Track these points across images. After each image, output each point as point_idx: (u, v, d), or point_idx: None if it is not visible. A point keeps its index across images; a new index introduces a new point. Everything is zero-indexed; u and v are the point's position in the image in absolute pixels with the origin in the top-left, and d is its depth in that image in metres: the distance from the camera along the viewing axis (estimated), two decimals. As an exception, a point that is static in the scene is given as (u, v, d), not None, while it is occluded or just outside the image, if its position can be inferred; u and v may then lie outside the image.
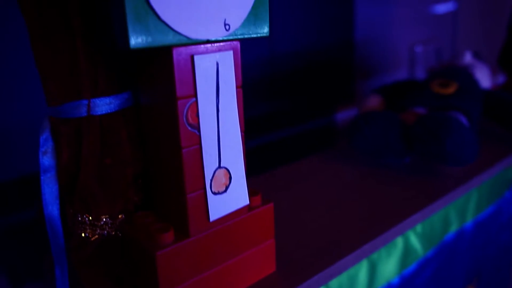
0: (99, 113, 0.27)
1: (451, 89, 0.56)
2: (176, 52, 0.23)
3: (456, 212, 0.48)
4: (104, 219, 0.28)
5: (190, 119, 0.25)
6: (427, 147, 0.44)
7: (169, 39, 0.23)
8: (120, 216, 0.28)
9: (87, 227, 0.27)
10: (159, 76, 0.25)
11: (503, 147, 0.56)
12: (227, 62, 0.26)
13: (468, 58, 0.64)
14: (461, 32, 1.20)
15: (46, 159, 0.27)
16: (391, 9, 1.00)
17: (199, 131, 0.25)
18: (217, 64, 0.25)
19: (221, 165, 0.27)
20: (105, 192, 0.28)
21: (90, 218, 0.27)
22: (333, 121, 0.90)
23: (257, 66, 0.70)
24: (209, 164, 0.26)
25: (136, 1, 0.21)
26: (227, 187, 0.27)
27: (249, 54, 0.68)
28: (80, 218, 0.27)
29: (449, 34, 1.20)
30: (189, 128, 0.25)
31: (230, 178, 0.27)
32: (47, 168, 0.27)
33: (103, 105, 0.27)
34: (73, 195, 0.27)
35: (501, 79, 0.65)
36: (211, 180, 0.26)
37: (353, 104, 0.92)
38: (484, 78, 0.62)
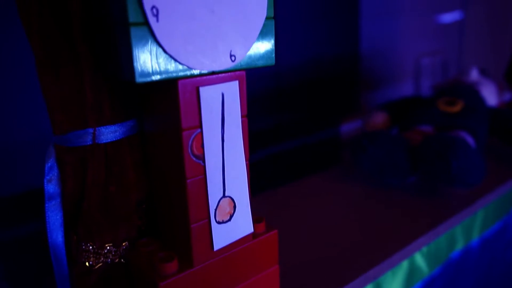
0: (104, 141, 0.27)
1: (457, 108, 0.55)
2: (181, 84, 0.23)
3: (462, 230, 0.48)
4: (108, 247, 0.28)
5: (195, 150, 0.25)
6: (433, 169, 0.44)
7: (175, 72, 0.23)
8: (124, 244, 0.28)
9: (91, 256, 0.27)
10: (164, 106, 0.25)
11: (509, 166, 0.55)
12: (233, 92, 0.26)
13: (474, 75, 0.64)
14: (467, 44, 1.20)
15: (51, 187, 0.27)
16: (397, 22, 1.00)
17: (204, 161, 0.25)
18: (223, 94, 0.25)
19: (226, 194, 0.27)
20: (109, 220, 0.28)
21: (94, 246, 0.27)
22: (338, 133, 0.89)
23: (262, 79, 0.70)
24: (214, 193, 0.26)
25: (142, 36, 0.21)
26: (231, 216, 0.27)
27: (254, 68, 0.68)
28: (84, 247, 0.27)
29: (456, 45, 1.20)
30: (194, 159, 0.25)
31: (235, 206, 0.27)
32: (51, 195, 0.27)
33: (108, 133, 0.27)
34: (77, 222, 0.27)
35: (507, 96, 0.64)
36: (216, 210, 0.26)
37: (358, 116, 0.92)
38: (490, 95, 0.62)
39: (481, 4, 1.12)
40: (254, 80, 0.69)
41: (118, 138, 0.27)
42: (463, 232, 0.48)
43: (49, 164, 0.27)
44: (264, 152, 0.71)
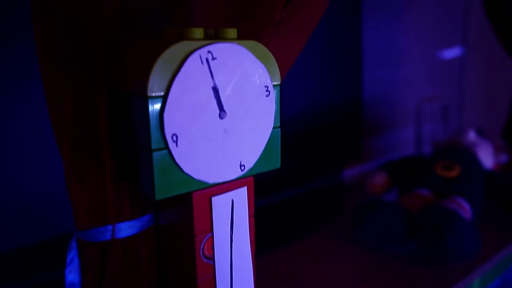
0: (123, 236, 0.29)
1: (454, 173, 0.58)
2: (196, 196, 0.26)
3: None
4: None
5: (206, 251, 0.27)
6: (429, 242, 0.46)
7: (191, 186, 0.25)
8: (136, 329, 0.30)
9: None
10: (179, 211, 0.27)
11: (506, 232, 0.57)
12: (242, 197, 0.28)
13: (471, 136, 0.66)
14: (468, 84, 1.23)
15: (72, 277, 0.29)
16: (398, 70, 1.03)
17: (213, 261, 0.27)
18: (233, 201, 0.27)
19: (233, 288, 0.29)
20: (124, 307, 0.30)
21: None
22: (340, 180, 0.91)
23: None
24: (222, 289, 0.28)
25: (163, 160, 0.24)
26: (237, 308, 0.29)
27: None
28: (100, 335, 0.29)
29: (456, 88, 1.23)
30: (205, 260, 0.27)
31: (241, 299, 0.29)
32: (72, 285, 0.29)
33: (126, 229, 0.29)
34: (94, 310, 0.29)
35: (504, 157, 0.67)
36: (223, 303, 0.28)
37: (360, 161, 0.94)
38: (487, 157, 0.64)
39: (482, 41, 1.15)
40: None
41: (135, 232, 0.29)
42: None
43: (71, 256, 0.29)
44: (266, 200, 0.73)
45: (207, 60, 0.24)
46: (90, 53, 0.26)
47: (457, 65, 1.21)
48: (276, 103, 0.28)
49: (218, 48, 0.25)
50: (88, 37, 0.26)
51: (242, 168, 0.27)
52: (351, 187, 0.88)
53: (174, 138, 0.24)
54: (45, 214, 0.44)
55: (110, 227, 0.29)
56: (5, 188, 0.42)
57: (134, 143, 0.25)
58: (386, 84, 1.02)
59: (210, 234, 0.27)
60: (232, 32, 0.26)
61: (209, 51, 0.24)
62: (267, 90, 0.27)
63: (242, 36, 0.31)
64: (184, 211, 0.27)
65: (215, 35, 0.26)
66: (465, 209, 0.53)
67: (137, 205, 0.29)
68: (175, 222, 0.28)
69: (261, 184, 0.66)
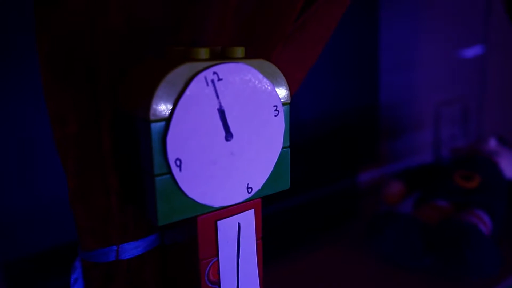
0: (127, 257, 0.28)
1: (474, 183, 0.56)
2: (201, 220, 0.25)
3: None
4: None
5: (211, 276, 0.26)
6: (447, 257, 0.44)
7: (196, 211, 0.24)
8: None
9: None
10: (184, 233, 0.27)
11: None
12: (249, 220, 0.27)
13: (492, 144, 0.64)
14: (488, 90, 1.20)
15: (76, 297, 0.28)
16: (416, 73, 1.01)
17: (219, 286, 0.26)
18: (239, 224, 0.27)
19: (240, 313, 0.28)
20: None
21: None
22: (355, 183, 0.90)
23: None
24: (228, 314, 0.27)
25: (166, 184, 0.23)
26: (244, 332, 0.28)
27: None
28: None
29: (476, 88, 1.20)
30: (210, 285, 0.26)
31: (248, 323, 0.28)
32: (76, 305, 0.29)
33: (131, 250, 0.28)
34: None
35: (527, 167, 0.64)
36: (229, 328, 0.28)
37: (376, 165, 0.92)
38: (509, 166, 0.62)
39: (504, 40, 1.11)
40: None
41: (140, 253, 0.29)
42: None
43: (75, 276, 0.29)
44: (281, 204, 0.72)
45: (212, 81, 0.23)
46: (95, 70, 0.25)
47: (478, 65, 1.17)
48: (286, 122, 0.27)
49: (224, 69, 0.24)
50: (93, 53, 0.25)
51: (249, 190, 0.26)
52: (367, 191, 0.86)
53: (178, 162, 0.23)
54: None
55: (115, 248, 0.28)
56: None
57: (138, 165, 0.24)
58: (403, 85, 0.99)
59: (216, 259, 0.26)
60: (240, 51, 0.25)
61: (214, 72, 0.23)
62: (276, 110, 0.26)
63: (252, 52, 0.30)
64: (189, 234, 0.26)
65: (221, 54, 0.25)
66: (484, 222, 0.51)
67: (143, 225, 0.29)
68: (180, 245, 0.27)
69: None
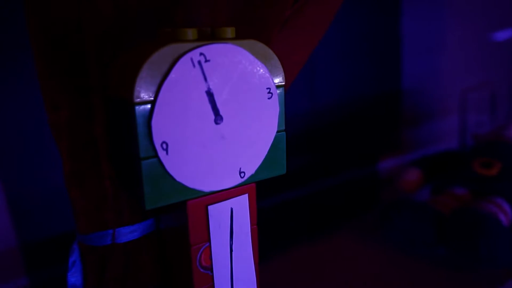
0: (124, 241, 0.28)
1: (494, 170, 0.53)
2: (190, 205, 0.25)
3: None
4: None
5: (203, 262, 0.26)
6: (461, 246, 0.43)
7: (185, 195, 0.24)
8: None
9: None
10: (176, 218, 0.26)
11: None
12: (242, 205, 0.27)
13: (516, 130, 0.61)
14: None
15: (73, 279, 0.29)
16: (440, 57, 0.97)
17: (212, 272, 0.26)
18: (232, 209, 0.26)
19: (234, 299, 0.28)
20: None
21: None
22: (375, 172, 0.88)
23: (298, 117, 0.71)
24: (222, 299, 0.27)
25: (152, 168, 0.23)
26: (239, 318, 0.28)
27: (289, 106, 0.68)
28: None
29: (506, 78, 1.15)
30: (202, 270, 0.26)
31: (243, 310, 0.28)
32: (74, 286, 0.29)
33: (127, 234, 0.28)
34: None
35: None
36: (224, 314, 0.27)
37: (399, 153, 0.90)
38: (533, 153, 0.59)
39: None
40: (289, 119, 0.69)
41: (136, 237, 0.29)
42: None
43: (73, 258, 0.29)
44: (302, 191, 0.71)
45: (199, 62, 0.23)
46: (85, 55, 0.25)
47: (507, 49, 1.12)
48: (280, 105, 0.27)
49: (212, 50, 0.23)
50: (81, 39, 0.25)
51: (242, 175, 0.26)
52: (388, 179, 0.85)
53: (164, 146, 0.22)
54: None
55: (110, 231, 0.28)
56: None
57: (127, 150, 0.24)
58: (427, 71, 0.96)
59: (208, 244, 0.26)
60: (230, 31, 0.24)
61: (201, 53, 0.23)
62: (269, 92, 0.26)
63: (249, 34, 0.29)
64: (180, 219, 0.26)
65: (211, 35, 0.24)
66: (505, 211, 0.49)
67: (138, 210, 0.29)
68: (173, 230, 0.27)
69: (295, 175, 0.64)
